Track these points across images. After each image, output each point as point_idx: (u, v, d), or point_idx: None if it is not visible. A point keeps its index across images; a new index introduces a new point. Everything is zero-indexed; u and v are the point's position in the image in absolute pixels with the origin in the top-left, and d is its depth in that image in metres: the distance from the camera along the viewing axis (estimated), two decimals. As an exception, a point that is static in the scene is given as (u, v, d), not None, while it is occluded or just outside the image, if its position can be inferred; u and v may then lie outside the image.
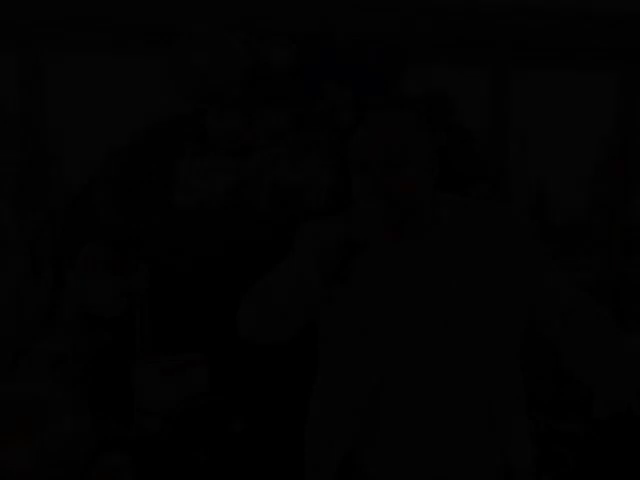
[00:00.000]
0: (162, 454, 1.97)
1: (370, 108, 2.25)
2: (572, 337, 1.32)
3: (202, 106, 2.27)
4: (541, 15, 3.31)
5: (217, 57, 2.04)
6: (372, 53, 2.26)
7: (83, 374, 2.34)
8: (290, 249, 1.32)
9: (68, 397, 1.86)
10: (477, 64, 3.42)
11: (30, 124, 2.89)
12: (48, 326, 2.49)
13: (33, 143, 2.90)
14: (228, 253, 2.82)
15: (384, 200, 1.14)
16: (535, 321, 1.33)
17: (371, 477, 1.27)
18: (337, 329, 1.27)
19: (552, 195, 5.91)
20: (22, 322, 2.42)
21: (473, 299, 1.19)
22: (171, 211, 2.76)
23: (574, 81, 4.44)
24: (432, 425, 1.19)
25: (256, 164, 2.82)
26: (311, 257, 1.10)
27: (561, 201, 5.88)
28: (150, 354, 2.43)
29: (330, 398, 1.29)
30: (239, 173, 2.82)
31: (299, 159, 2.84)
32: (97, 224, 2.69)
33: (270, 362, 2.59)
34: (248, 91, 2.21)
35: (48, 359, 2.18)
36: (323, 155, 2.85)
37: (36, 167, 2.91)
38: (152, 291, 2.51)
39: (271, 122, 2.26)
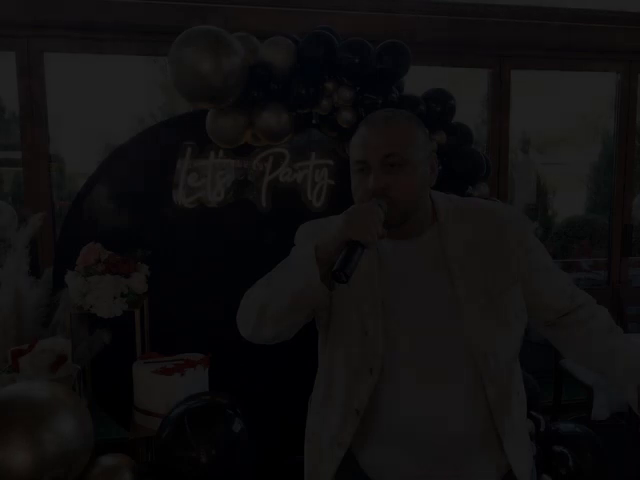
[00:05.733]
0: (162, 454, 1.97)
1: (370, 108, 2.25)
2: (572, 337, 1.32)
3: (202, 106, 2.27)
4: (541, 15, 3.32)
5: (217, 57, 2.04)
6: (372, 53, 2.25)
7: (83, 374, 2.34)
8: (290, 249, 1.32)
9: (68, 397, 1.86)
10: (477, 64, 3.43)
11: (30, 124, 2.89)
12: (48, 326, 2.49)
13: (33, 143, 2.90)
14: (228, 253, 2.82)
15: (384, 200, 1.14)
16: (535, 321, 1.34)
17: (370, 477, 1.27)
18: (337, 329, 1.27)
19: (552, 195, 5.92)
20: (22, 322, 2.42)
21: (473, 299, 1.19)
22: (171, 211, 2.77)
23: (573, 81, 4.44)
24: (431, 425, 1.19)
25: (256, 164, 2.83)
26: (311, 257, 1.10)
27: (561, 201, 5.89)
28: (150, 354, 2.44)
29: (330, 397, 1.29)
30: (239, 173, 2.83)
31: (299, 159, 2.85)
32: (97, 224, 2.70)
33: (270, 362, 2.59)
34: (248, 91, 2.21)
35: (48, 359, 2.18)
36: (323, 155, 2.86)
37: (36, 167, 2.91)
38: (152, 291, 2.52)
39: (271, 122, 2.26)
